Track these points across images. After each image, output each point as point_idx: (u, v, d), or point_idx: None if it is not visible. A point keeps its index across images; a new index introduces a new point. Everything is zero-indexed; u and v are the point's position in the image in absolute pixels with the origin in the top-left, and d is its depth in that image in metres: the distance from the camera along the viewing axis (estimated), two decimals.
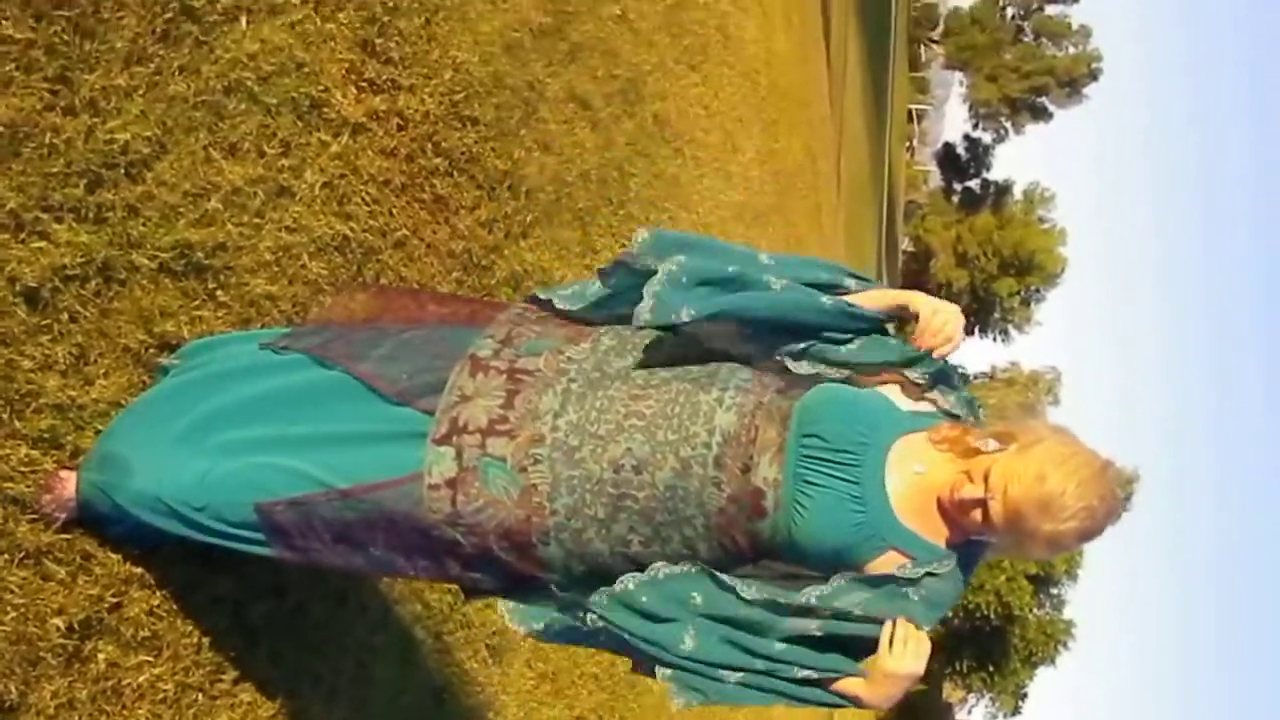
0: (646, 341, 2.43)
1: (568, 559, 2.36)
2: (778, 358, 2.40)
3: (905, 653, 2.28)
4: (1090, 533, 2.29)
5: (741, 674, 2.31)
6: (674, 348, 2.41)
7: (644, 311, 2.31)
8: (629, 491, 2.29)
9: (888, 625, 2.28)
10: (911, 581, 2.30)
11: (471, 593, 2.62)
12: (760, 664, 2.31)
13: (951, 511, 2.31)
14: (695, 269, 2.37)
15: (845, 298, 2.41)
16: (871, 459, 2.30)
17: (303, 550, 2.44)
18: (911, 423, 2.38)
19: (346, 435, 2.40)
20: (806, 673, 2.32)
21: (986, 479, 2.25)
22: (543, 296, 2.55)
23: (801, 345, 2.39)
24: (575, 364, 2.38)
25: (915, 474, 2.33)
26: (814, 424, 2.29)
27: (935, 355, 2.37)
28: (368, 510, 2.36)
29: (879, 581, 2.29)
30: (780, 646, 2.31)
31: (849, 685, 2.35)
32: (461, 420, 2.33)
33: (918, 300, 2.41)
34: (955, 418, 2.41)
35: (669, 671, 2.33)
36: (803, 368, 2.38)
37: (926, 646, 2.30)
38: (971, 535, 2.34)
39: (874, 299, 2.44)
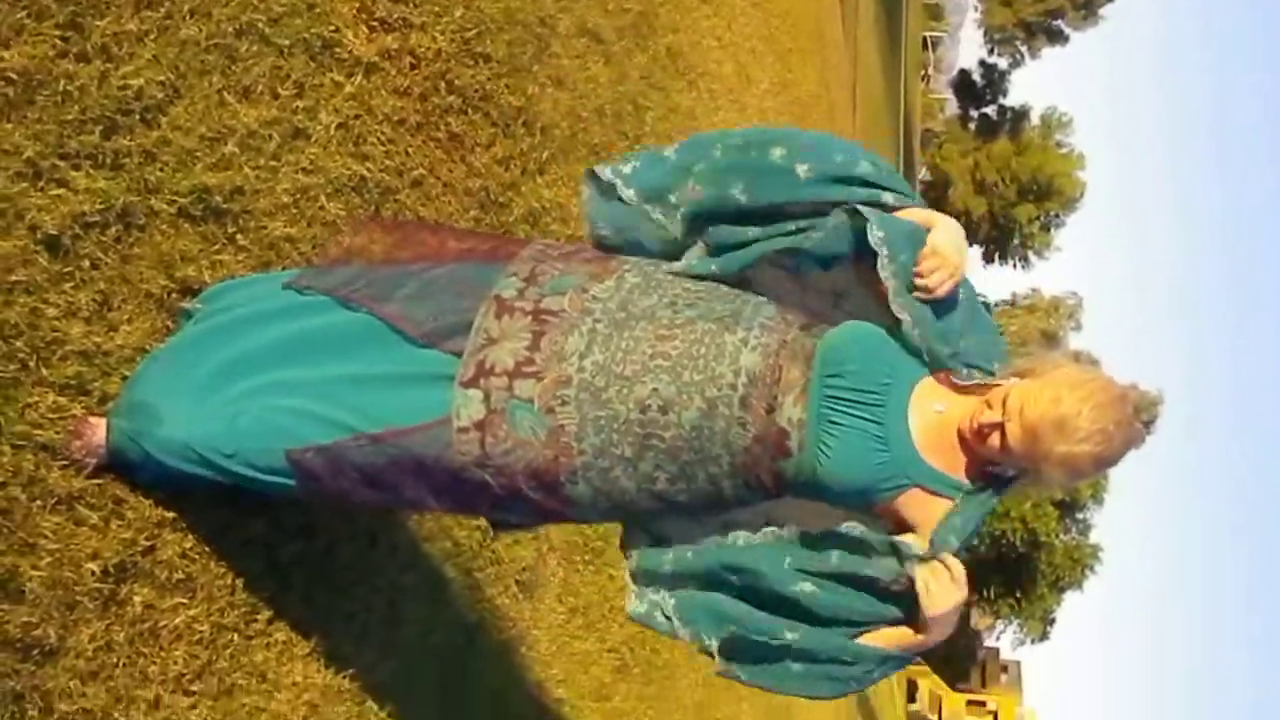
0: (669, 278, 2.44)
1: (595, 496, 2.38)
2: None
3: (941, 590, 2.27)
4: (1107, 459, 2.29)
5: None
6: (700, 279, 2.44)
7: (692, 258, 2.41)
8: (655, 431, 2.31)
9: (918, 576, 2.28)
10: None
11: (499, 526, 2.64)
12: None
13: (971, 440, 2.32)
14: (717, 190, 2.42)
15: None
16: (895, 398, 2.31)
17: (333, 493, 2.47)
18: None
19: (374, 379, 2.40)
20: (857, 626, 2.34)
21: (1004, 404, 2.26)
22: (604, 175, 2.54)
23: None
24: (600, 303, 2.38)
25: (936, 413, 2.34)
26: (838, 364, 2.30)
27: (929, 288, 2.32)
28: (397, 454, 2.37)
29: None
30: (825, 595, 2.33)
31: (900, 636, 2.36)
32: (488, 363, 2.34)
33: (934, 230, 2.36)
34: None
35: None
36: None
37: (960, 571, 2.28)
38: (991, 465, 2.34)
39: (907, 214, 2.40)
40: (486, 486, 2.38)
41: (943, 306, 2.35)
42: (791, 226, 2.39)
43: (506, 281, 2.44)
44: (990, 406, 2.28)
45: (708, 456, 2.32)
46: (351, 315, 2.46)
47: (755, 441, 2.30)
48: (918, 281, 2.31)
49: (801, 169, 2.37)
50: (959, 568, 2.28)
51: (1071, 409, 2.22)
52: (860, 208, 2.32)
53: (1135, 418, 2.32)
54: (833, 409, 2.28)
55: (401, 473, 2.40)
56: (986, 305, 2.48)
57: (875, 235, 2.30)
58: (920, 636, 2.34)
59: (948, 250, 2.32)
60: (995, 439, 2.27)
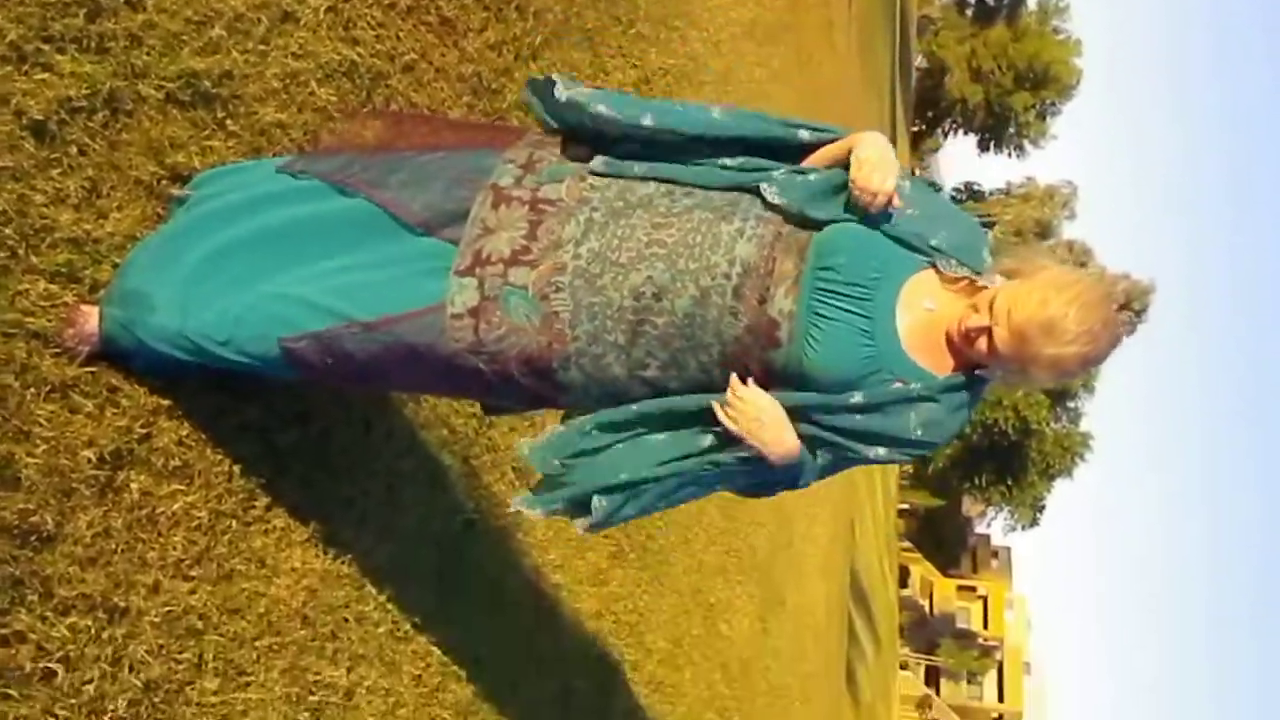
0: (670, 168, 2.43)
1: (587, 383, 2.40)
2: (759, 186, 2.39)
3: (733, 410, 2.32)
4: (1092, 358, 2.31)
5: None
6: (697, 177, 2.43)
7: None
8: (648, 318, 2.32)
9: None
10: (909, 399, 2.32)
11: (491, 410, 2.64)
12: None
13: (959, 343, 2.33)
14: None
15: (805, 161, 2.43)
16: (884, 294, 2.32)
17: (327, 379, 2.47)
18: (923, 261, 2.38)
19: (368, 266, 2.40)
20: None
21: (991, 307, 2.27)
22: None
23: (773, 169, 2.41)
24: (598, 192, 2.39)
25: (926, 310, 2.35)
26: (829, 256, 2.31)
27: (864, 201, 2.31)
28: (391, 341, 2.37)
29: (877, 404, 2.32)
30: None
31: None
32: (485, 252, 2.34)
33: (856, 150, 2.34)
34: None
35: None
36: (774, 195, 2.36)
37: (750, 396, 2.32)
38: (978, 367, 2.36)
39: (823, 155, 2.43)
40: (479, 373, 2.39)
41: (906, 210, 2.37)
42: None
43: (504, 169, 2.43)
44: (977, 310, 2.30)
45: (699, 344, 2.33)
46: (346, 202, 2.45)
47: (746, 331, 2.31)
48: (857, 196, 2.31)
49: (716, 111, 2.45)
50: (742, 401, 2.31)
51: (1059, 311, 2.24)
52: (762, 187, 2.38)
53: (1121, 315, 2.34)
54: (822, 301, 2.29)
55: (395, 359, 2.40)
56: (955, 199, 2.48)
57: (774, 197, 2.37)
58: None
59: (871, 158, 2.31)
60: (983, 343, 2.29)
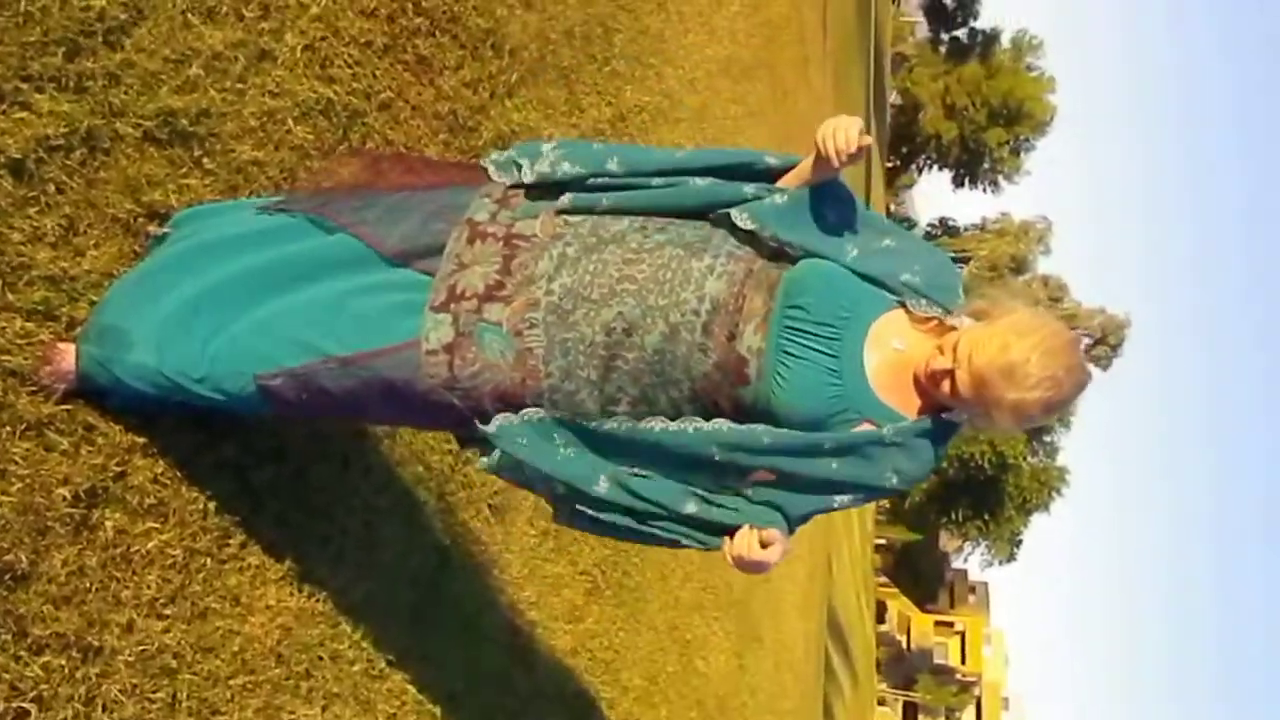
0: (642, 205, 2.45)
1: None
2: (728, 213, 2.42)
3: (733, 547, 2.33)
4: (1055, 404, 2.31)
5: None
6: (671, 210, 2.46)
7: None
8: (619, 353, 2.33)
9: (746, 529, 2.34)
10: (882, 443, 2.33)
11: (465, 443, 2.65)
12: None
13: (925, 384, 2.35)
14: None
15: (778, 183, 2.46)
16: (852, 334, 2.33)
17: (302, 412, 2.47)
18: (893, 300, 2.40)
19: (344, 298, 2.40)
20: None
21: (955, 350, 2.29)
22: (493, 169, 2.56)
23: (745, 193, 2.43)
24: (572, 228, 2.40)
25: (895, 350, 2.36)
26: (798, 295, 2.33)
27: (839, 163, 2.32)
28: (367, 376, 2.38)
29: (847, 448, 2.32)
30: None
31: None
32: (459, 288, 2.36)
33: (817, 135, 2.36)
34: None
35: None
36: (745, 221, 2.39)
37: (752, 543, 2.33)
38: (945, 409, 2.37)
39: (794, 175, 2.46)
40: (454, 406, 2.40)
41: (872, 238, 2.41)
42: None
43: (479, 204, 2.45)
44: (942, 352, 2.31)
45: (669, 380, 2.34)
46: (323, 238, 2.46)
47: (715, 368, 2.33)
48: (830, 156, 2.31)
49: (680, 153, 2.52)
50: (752, 542, 2.32)
51: (1020, 356, 2.24)
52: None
53: (1084, 364, 2.35)
54: (790, 339, 2.31)
55: (371, 394, 2.41)
56: (930, 235, 2.51)
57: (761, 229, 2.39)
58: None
59: (828, 123, 2.32)
60: (946, 385, 2.30)
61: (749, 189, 2.41)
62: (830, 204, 2.41)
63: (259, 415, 2.49)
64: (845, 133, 2.29)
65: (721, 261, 2.35)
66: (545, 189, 2.50)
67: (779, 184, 2.45)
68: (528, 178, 2.49)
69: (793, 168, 2.46)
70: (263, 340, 2.40)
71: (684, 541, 2.40)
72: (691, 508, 2.36)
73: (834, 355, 2.31)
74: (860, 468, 2.34)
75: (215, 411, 2.52)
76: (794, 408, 2.31)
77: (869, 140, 2.35)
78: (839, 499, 2.40)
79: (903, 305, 2.38)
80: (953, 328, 2.35)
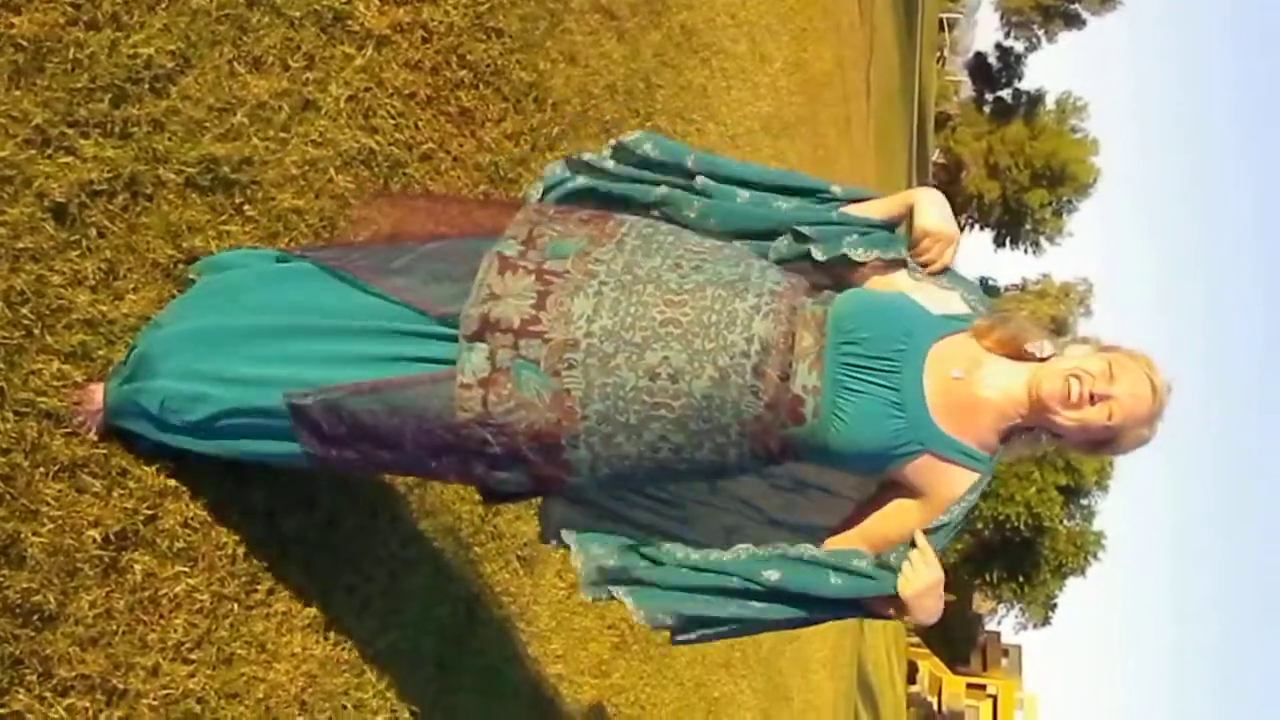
0: (670, 239, 2.44)
1: (594, 462, 2.37)
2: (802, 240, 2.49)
3: (914, 571, 2.35)
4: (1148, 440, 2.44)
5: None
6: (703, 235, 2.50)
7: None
8: (664, 400, 2.30)
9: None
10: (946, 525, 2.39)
11: (492, 496, 2.64)
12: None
13: (1056, 403, 2.35)
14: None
15: (848, 209, 2.52)
16: (910, 364, 2.33)
17: (329, 444, 2.44)
18: (945, 326, 2.41)
19: (376, 332, 2.39)
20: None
21: (1111, 376, 2.34)
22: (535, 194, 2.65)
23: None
24: (604, 265, 2.37)
25: (953, 379, 2.35)
26: (851, 331, 2.32)
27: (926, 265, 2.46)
28: (398, 405, 2.35)
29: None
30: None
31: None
32: (493, 317, 2.32)
33: (919, 215, 2.47)
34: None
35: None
36: (819, 252, 2.46)
37: (930, 555, 2.36)
38: (1026, 430, 2.42)
39: (878, 207, 2.53)
40: (486, 445, 2.36)
41: None
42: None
43: (506, 242, 2.43)
44: (1078, 377, 2.33)
45: (716, 426, 2.32)
46: (347, 289, 2.45)
47: (767, 409, 2.31)
48: (919, 261, 2.41)
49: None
50: (928, 550, 2.36)
51: (1163, 400, 2.38)
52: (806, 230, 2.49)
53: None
54: (847, 374, 2.30)
55: (400, 426, 2.37)
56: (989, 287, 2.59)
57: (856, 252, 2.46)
58: (891, 611, 2.42)
59: (941, 227, 2.44)
60: (1103, 410, 2.34)
61: (834, 214, 2.49)
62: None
63: (288, 458, 2.47)
64: (944, 253, 2.45)
65: (766, 300, 2.33)
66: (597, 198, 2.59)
67: (859, 210, 2.52)
68: (606, 152, 2.57)
69: (857, 200, 2.52)
70: (293, 365, 2.39)
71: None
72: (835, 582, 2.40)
73: (894, 388, 2.30)
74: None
75: (245, 459, 2.52)
76: (856, 443, 2.31)
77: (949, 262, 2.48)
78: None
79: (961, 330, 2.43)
80: (1029, 351, 2.40)
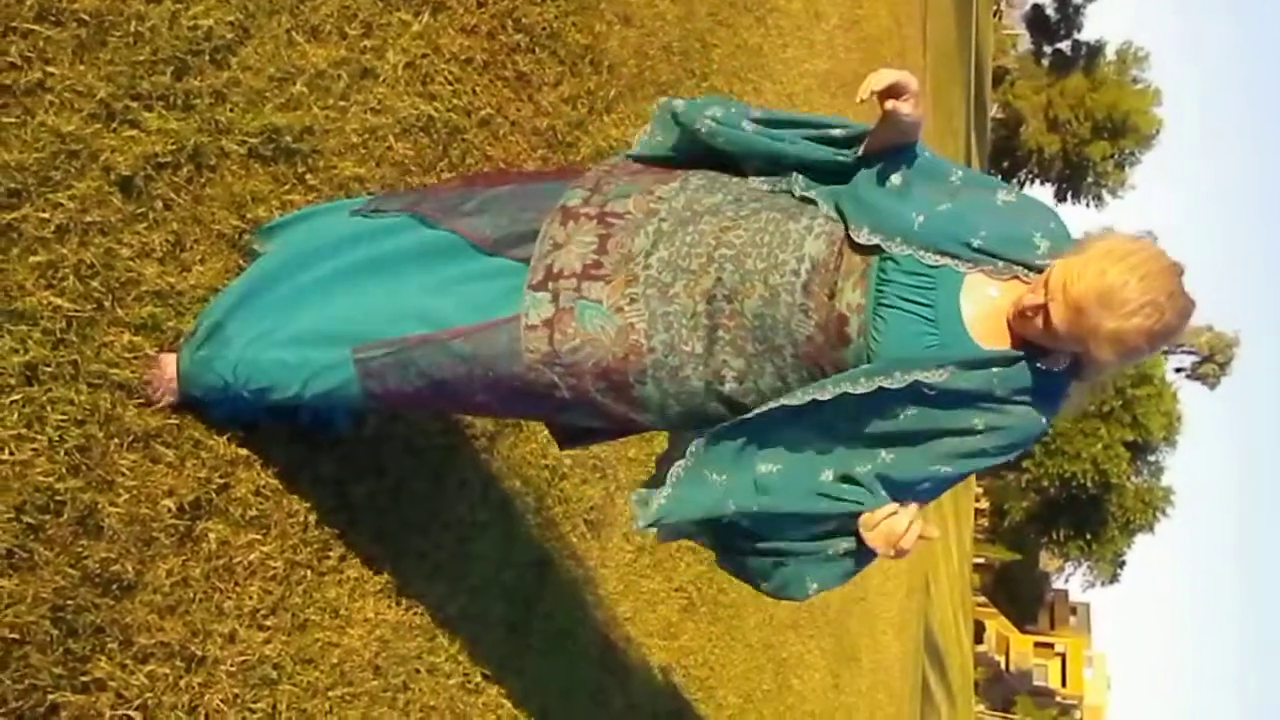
0: (735, 181, 2.44)
1: (664, 399, 2.38)
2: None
3: (881, 513, 2.29)
4: (1160, 333, 2.15)
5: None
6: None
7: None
8: (721, 321, 2.30)
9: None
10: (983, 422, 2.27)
11: (564, 439, 2.64)
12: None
13: (1014, 324, 2.24)
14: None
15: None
16: (947, 283, 2.26)
17: (396, 397, 2.47)
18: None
19: (441, 285, 2.40)
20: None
21: (1047, 284, 2.16)
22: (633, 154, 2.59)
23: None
24: (665, 203, 2.38)
25: (990, 297, 2.26)
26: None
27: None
28: (465, 355, 2.37)
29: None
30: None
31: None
32: (556, 267, 2.34)
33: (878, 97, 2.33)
34: None
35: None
36: (863, 237, 2.30)
37: (897, 526, 2.30)
38: (1041, 351, 2.24)
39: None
40: (554, 387, 2.38)
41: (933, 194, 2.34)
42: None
43: (572, 193, 2.45)
44: (1033, 290, 2.19)
45: (772, 347, 2.31)
46: (419, 233, 2.46)
47: (818, 329, 2.28)
48: (885, 105, 2.28)
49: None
50: (900, 521, 2.28)
51: (1118, 279, 2.09)
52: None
53: (1186, 290, 2.18)
54: (885, 291, 2.25)
55: (467, 375, 2.39)
56: (1002, 185, 2.43)
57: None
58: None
59: (886, 81, 2.28)
60: (1039, 321, 2.17)
61: (843, 155, 2.38)
62: (892, 168, 2.35)
63: (358, 412, 2.47)
64: (897, 75, 2.31)
65: (820, 222, 2.31)
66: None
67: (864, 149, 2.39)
68: (682, 116, 2.50)
69: (862, 137, 2.39)
70: (361, 317, 2.41)
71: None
72: (823, 506, 2.35)
73: (929, 304, 2.23)
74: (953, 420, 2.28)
75: (315, 418, 2.54)
76: (890, 359, 2.24)
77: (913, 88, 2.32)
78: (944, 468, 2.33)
79: (982, 271, 2.28)
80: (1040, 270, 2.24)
